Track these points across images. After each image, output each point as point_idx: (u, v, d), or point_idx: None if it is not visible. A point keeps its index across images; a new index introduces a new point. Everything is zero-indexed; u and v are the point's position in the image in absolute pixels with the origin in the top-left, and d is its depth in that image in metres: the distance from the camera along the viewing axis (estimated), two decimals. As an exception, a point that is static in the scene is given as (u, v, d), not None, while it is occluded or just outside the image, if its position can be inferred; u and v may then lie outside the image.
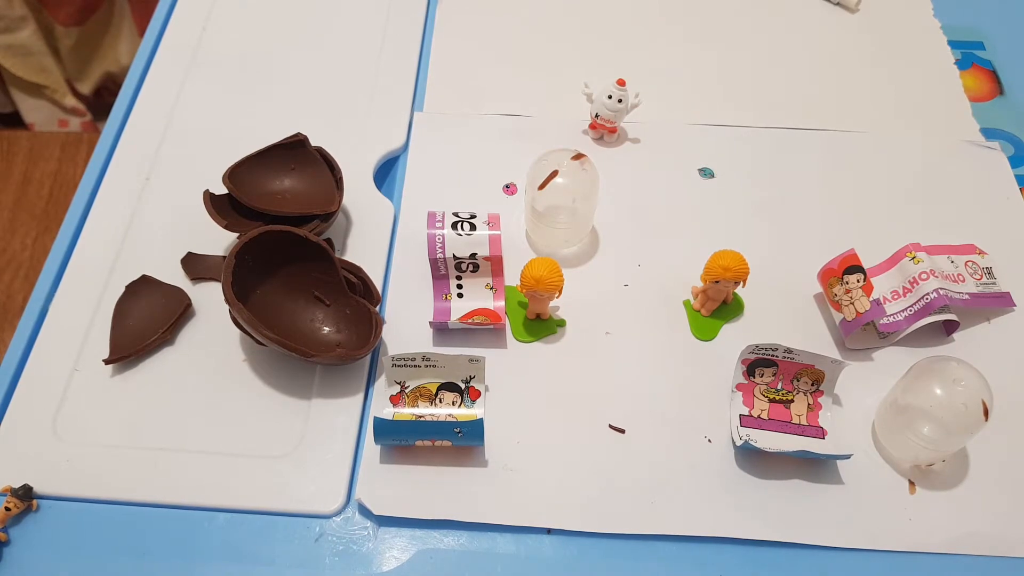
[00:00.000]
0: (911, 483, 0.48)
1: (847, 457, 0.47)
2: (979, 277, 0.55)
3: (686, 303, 0.55)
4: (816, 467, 0.49)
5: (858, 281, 0.52)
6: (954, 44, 0.72)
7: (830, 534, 0.46)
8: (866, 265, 0.52)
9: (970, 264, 0.55)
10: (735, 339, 0.53)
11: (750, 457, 0.49)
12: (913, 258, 0.54)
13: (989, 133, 0.65)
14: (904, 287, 0.54)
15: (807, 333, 0.54)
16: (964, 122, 0.66)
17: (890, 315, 0.53)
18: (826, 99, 0.67)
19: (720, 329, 0.54)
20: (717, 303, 0.54)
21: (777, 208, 0.61)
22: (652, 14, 0.73)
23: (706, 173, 0.62)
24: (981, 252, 0.57)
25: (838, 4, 0.74)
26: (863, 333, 0.54)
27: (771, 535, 0.46)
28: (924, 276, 0.52)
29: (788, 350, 0.49)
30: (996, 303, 0.55)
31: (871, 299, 0.51)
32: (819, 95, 0.68)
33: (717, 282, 0.52)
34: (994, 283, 0.55)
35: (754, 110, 0.66)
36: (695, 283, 0.55)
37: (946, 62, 0.70)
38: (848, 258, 0.53)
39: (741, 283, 0.52)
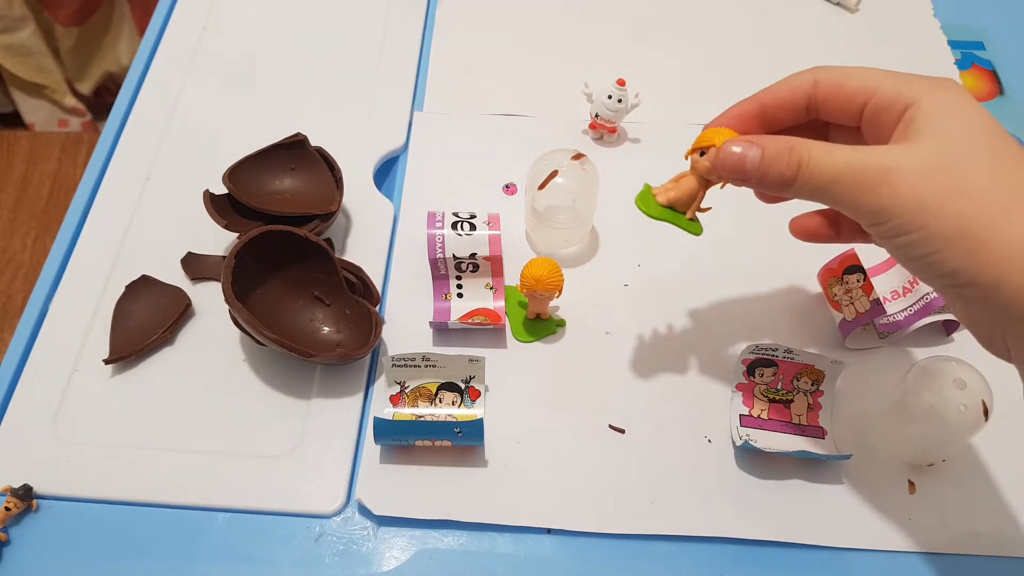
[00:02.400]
0: (911, 483, 0.48)
1: (847, 457, 0.47)
2: None
3: (646, 186, 0.44)
4: (816, 467, 0.49)
5: (858, 281, 0.52)
6: (954, 44, 0.72)
7: (830, 534, 0.46)
8: (866, 265, 0.52)
9: None
10: (736, 339, 0.53)
11: (750, 457, 0.49)
12: None
13: (989, 133, 0.65)
14: (904, 287, 0.53)
15: (807, 333, 0.54)
16: (964, 122, 0.66)
17: (890, 315, 0.53)
18: (826, 99, 0.67)
19: (665, 217, 0.45)
20: (681, 196, 0.43)
21: (777, 208, 0.60)
22: (652, 14, 0.73)
23: (706, 173, 0.62)
24: None
25: (838, 4, 0.74)
26: (863, 333, 0.54)
27: (771, 535, 0.46)
28: None
29: (788, 350, 0.49)
30: None
31: (871, 299, 0.51)
32: (819, 95, 0.68)
33: (702, 152, 0.41)
34: None
35: (754, 110, 0.66)
36: (695, 283, 0.55)
37: (946, 62, 0.70)
38: (848, 257, 0.53)
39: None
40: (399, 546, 0.46)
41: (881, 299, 0.54)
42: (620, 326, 0.54)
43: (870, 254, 0.54)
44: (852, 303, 0.52)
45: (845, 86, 0.40)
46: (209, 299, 0.55)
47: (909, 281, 0.53)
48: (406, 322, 0.54)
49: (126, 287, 0.55)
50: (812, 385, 0.49)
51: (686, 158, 0.42)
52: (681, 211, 0.43)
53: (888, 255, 0.55)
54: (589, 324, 0.54)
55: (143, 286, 0.55)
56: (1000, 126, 0.37)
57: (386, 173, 0.64)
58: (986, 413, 0.45)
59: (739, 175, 0.39)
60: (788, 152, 0.37)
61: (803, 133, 0.40)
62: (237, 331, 0.51)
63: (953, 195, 0.34)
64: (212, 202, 0.55)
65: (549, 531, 0.46)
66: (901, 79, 0.38)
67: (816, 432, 0.49)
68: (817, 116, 0.42)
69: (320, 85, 0.67)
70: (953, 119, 0.36)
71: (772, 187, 0.38)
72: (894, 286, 0.54)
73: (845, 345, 0.53)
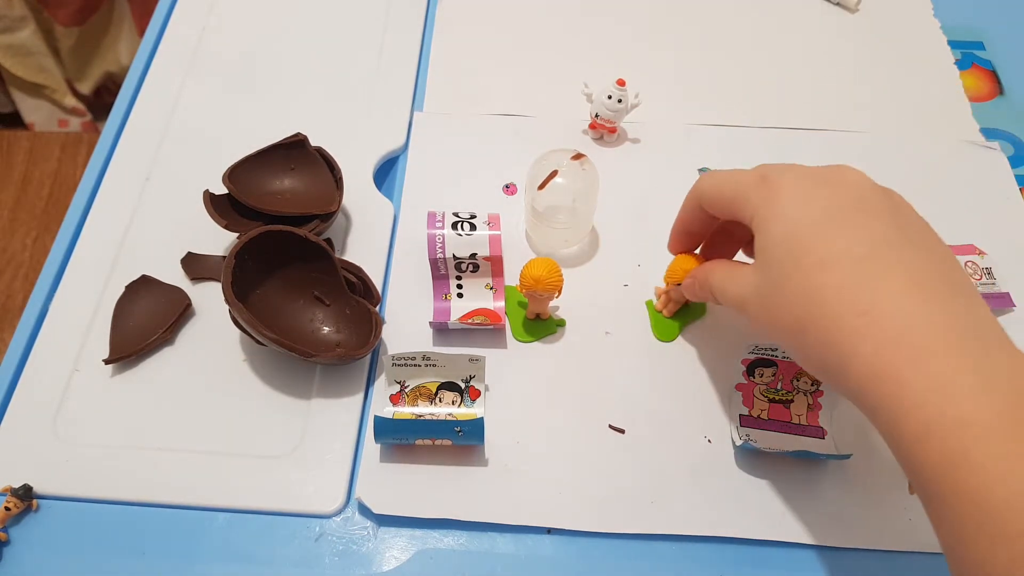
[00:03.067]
0: (911, 483, 0.48)
1: (847, 457, 0.47)
2: (979, 277, 0.55)
3: (648, 303, 0.55)
4: (816, 467, 0.49)
5: None
6: (954, 44, 0.72)
7: (830, 534, 0.46)
8: None
9: (970, 264, 0.56)
10: (735, 339, 0.53)
11: (750, 457, 0.49)
12: None
13: (989, 133, 0.65)
14: None
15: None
16: (964, 122, 0.66)
17: None
18: (826, 99, 0.67)
19: (681, 330, 0.54)
20: (679, 304, 0.54)
21: (777, 208, 0.60)
22: (652, 14, 0.73)
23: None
24: (980, 252, 0.57)
25: (838, 4, 0.74)
26: None
27: (771, 535, 0.46)
28: None
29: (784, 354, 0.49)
30: (995, 303, 0.55)
31: None
32: (819, 95, 0.68)
33: (679, 284, 0.52)
34: (993, 283, 0.55)
35: (754, 110, 0.66)
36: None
37: (946, 62, 0.70)
38: None
39: None
40: (399, 546, 0.46)
41: None
42: (620, 326, 0.54)
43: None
44: None
45: (715, 204, 0.46)
46: (209, 299, 0.55)
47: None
48: (406, 322, 0.54)
49: (126, 287, 0.55)
50: (812, 385, 0.49)
51: (667, 286, 0.53)
52: (680, 305, 0.54)
53: None
54: (589, 324, 0.54)
55: (143, 286, 0.55)
56: (826, 205, 0.40)
57: (386, 173, 0.64)
58: None
59: (699, 300, 0.50)
60: (704, 282, 0.47)
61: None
62: (237, 331, 0.51)
63: (773, 325, 0.40)
64: (212, 202, 0.55)
65: (549, 531, 0.46)
66: (744, 193, 0.43)
67: (816, 432, 0.49)
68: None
69: (320, 85, 0.67)
70: (775, 235, 0.40)
71: (717, 303, 0.47)
72: None
73: None
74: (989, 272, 0.56)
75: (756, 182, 0.42)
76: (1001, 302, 0.55)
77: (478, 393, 0.50)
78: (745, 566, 0.46)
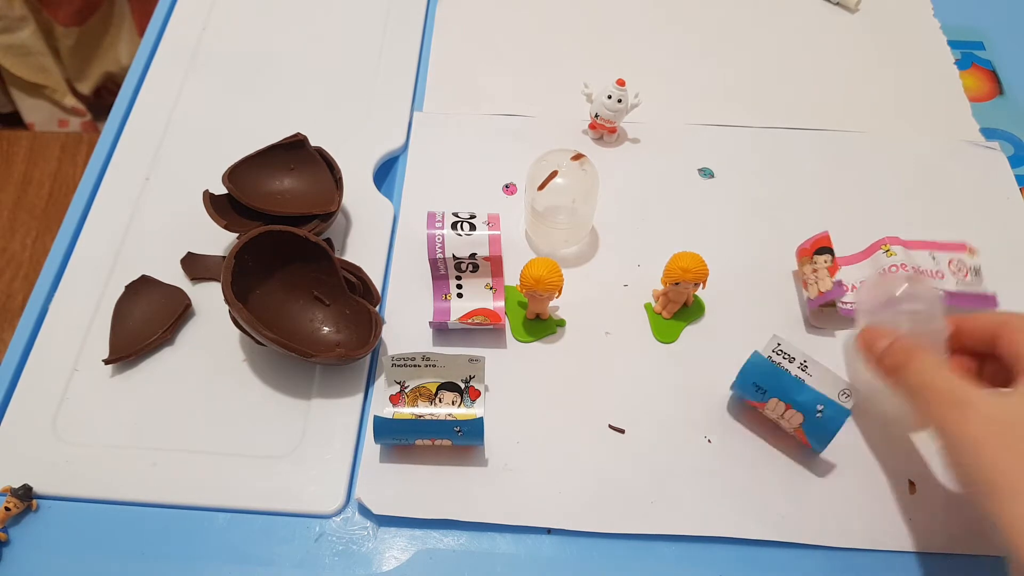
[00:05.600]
0: (911, 483, 0.48)
1: (847, 414, 0.46)
2: (964, 275, 0.54)
3: (647, 306, 0.55)
4: (816, 467, 0.49)
5: (825, 262, 0.53)
6: (954, 44, 0.72)
7: (830, 534, 0.46)
8: (841, 253, 0.53)
9: (954, 262, 0.55)
10: (735, 338, 0.53)
11: (750, 457, 0.49)
12: (887, 251, 0.54)
13: (989, 133, 0.65)
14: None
15: (806, 332, 0.54)
16: (964, 122, 0.66)
17: (851, 301, 0.53)
18: (826, 99, 0.67)
19: (681, 331, 0.54)
20: (678, 305, 0.54)
21: (777, 208, 0.61)
22: (652, 14, 0.73)
23: (706, 173, 0.62)
24: (971, 251, 0.55)
25: (838, 4, 0.74)
26: (828, 314, 0.54)
27: (771, 535, 0.46)
28: (894, 269, 0.53)
29: (804, 364, 0.47)
30: (975, 303, 0.53)
31: (834, 279, 0.51)
32: (819, 95, 0.68)
33: (677, 284, 0.52)
34: (979, 283, 0.54)
35: (754, 110, 0.66)
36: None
37: (946, 62, 0.70)
38: (820, 239, 0.54)
39: (701, 284, 0.52)
40: (399, 546, 0.46)
41: (843, 282, 0.53)
42: (620, 326, 0.54)
43: (847, 240, 0.55)
44: (817, 282, 0.52)
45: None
46: (209, 299, 0.55)
47: (878, 274, 0.53)
48: (406, 322, 0.54)
49: (126, 287, 0.55)
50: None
51: (665, 287, 0.53)
52: (680, 305, 0.55)
53: (863, 248, 0.55)
54: (589, 324, 0.54)
55: (143, 286, 0.55)
56: None
57: (386, 173, 0.64)
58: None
59: (871, 353, 0.47)
60: (899, 358, 0.44)
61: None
62: (237, 331, 0.51)
63: (1009, 451, 0.38)
64: (212, 202, 0.55)
65: (549, 531, 0.46)
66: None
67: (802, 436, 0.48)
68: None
69: (320, 85, 0.67)
70: None
71: (887, 382, 0.45)
72: (863, 276, 0.54)
73: (811, 322, 0.54)
74: (976, 272, 0.54)
75: None
76: (981, 303, 0.53)
77: (478, 393, 0.50)
78: (745, 566, 0.46)
